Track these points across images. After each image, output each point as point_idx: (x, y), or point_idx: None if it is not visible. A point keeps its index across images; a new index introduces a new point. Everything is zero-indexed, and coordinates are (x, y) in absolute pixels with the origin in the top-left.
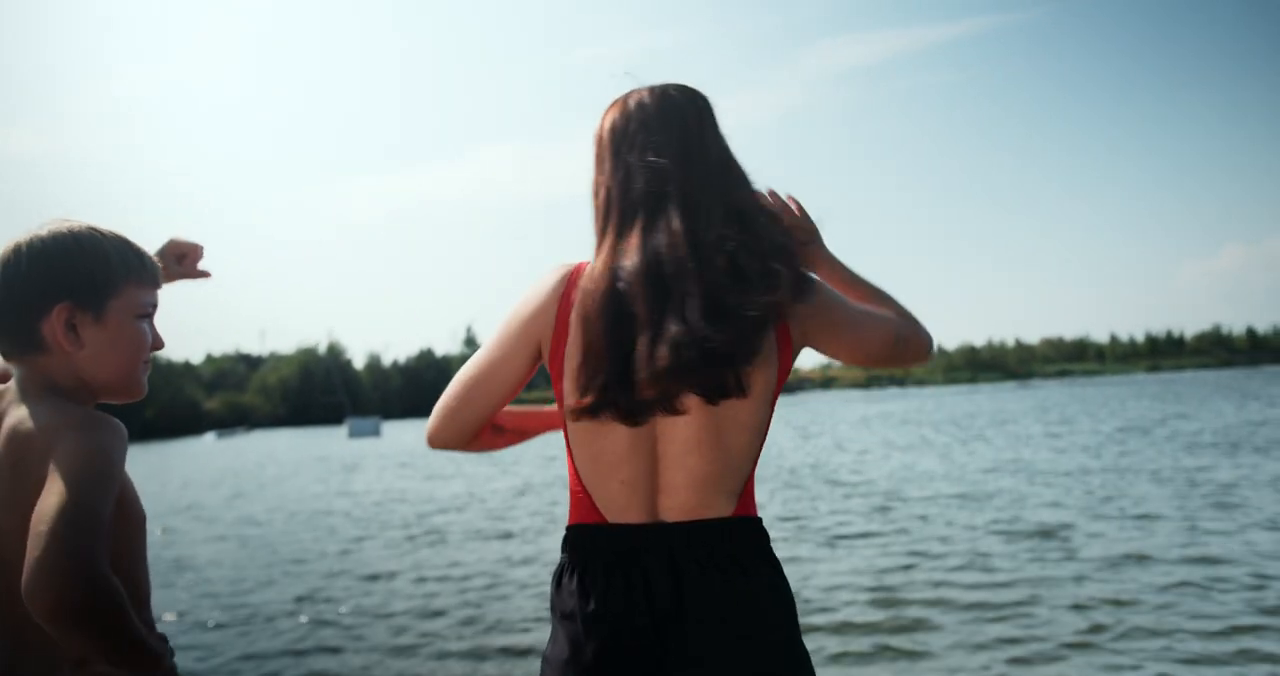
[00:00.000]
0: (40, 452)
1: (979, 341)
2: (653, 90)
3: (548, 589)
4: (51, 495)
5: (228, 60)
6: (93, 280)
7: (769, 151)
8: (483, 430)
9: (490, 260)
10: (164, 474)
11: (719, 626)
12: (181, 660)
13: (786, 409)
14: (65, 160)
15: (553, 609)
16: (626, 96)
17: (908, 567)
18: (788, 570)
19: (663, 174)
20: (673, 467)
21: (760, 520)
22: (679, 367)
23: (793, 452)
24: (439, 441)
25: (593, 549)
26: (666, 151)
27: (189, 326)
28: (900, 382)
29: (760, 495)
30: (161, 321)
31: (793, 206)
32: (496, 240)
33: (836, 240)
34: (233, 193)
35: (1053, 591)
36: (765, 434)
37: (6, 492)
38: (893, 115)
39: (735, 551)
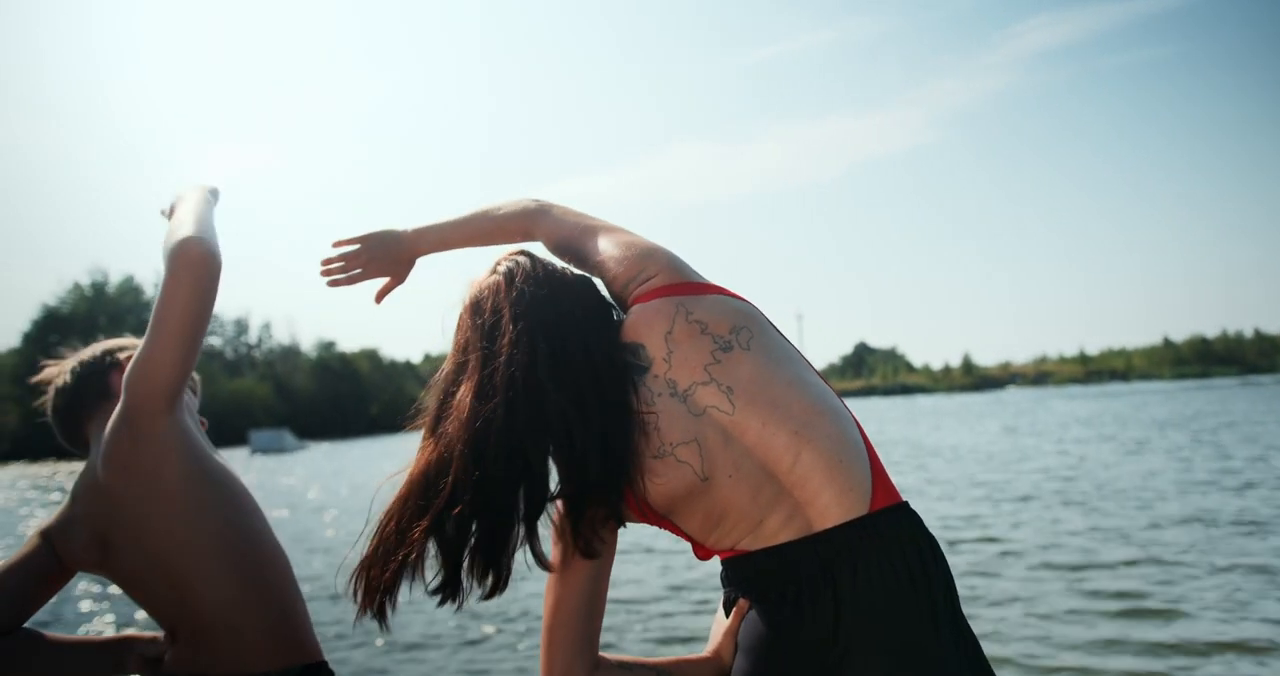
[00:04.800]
0: (125, 434)
1: (1211, 332)
2: None
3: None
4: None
5: (447, 71)
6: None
7: (972, 138)
8: None
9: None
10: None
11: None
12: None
13: (993, 406)
14: (291, 171)
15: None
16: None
17: (1131, 596)
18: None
19: None
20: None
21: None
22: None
23: (1000, 459)
24: None
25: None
26: None
27: (410, 329)
28: (1123, 377)
29: (958, 507)
30: (384, 326)
31: (351, 247)
32: (681, 240)
33: (1046, 219)
34: (445, 200)
35: None
36: None
37: (140, 491)
38: (1099, 95)
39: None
